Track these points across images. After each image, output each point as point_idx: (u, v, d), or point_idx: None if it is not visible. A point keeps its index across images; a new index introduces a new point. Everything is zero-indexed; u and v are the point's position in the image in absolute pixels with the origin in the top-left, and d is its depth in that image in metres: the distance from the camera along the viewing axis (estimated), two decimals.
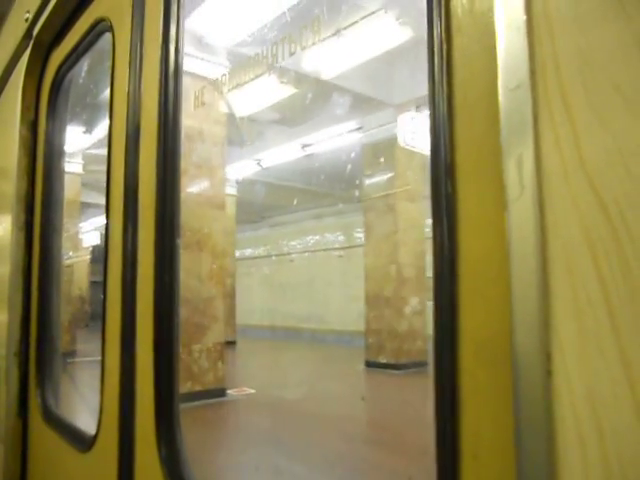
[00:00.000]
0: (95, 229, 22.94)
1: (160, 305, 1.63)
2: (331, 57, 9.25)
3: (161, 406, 1.58)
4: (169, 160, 1.67)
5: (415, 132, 11.13)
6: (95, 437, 1.91)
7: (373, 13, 8.20)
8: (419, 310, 12.53)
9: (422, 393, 10.00)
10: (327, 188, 17.56)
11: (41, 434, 2.52)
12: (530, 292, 0.67)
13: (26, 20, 2.71)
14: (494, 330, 0.75)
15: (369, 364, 12.60)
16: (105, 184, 2.01)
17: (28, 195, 2.78)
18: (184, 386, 8.33)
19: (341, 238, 20.51)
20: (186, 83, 1.77)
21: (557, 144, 0.67)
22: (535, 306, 0.66)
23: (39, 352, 2.62)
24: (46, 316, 2.65)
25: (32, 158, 2.80)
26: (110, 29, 2.07)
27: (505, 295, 0.71)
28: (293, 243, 23.40)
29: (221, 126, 9.59)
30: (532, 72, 0.69)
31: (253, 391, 9.98)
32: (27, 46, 2.76)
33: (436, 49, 0.88)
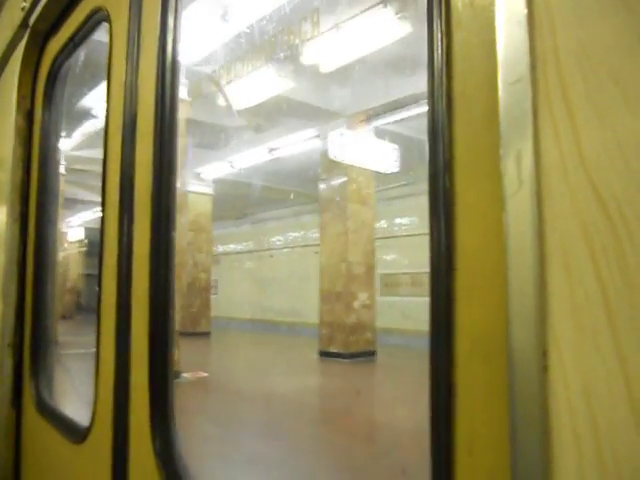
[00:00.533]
0: (81, 225, 23.19)
1: (155, 297, 1.63)
2: (287, 74, 10.31)
3: (156, 398, 1.58)
4: (166, 151, 1.66)
5: (344, 146, 12.33)
6: (89, 429, 1.91)
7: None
8: (368, 304, 13.62)
9: (359, 378, 11.85)
10: (300, 188, 18.00)
11: (35, 425, 2.50)
12: (527, 287, 0.67)
13: (22, 9, 2.68)
14: (490, 325, 0.75)
15: (322, 353, 13.75)
16: (101, 175, 1.99)
17: (23, 185, 2.75)
18: None
19: (316, 235, 20.75)
20: None
21: (556, 139, 0.66)
22: (532, 301, 0.66)
23: (33, 343, 2.60)
24: (41, 307, 2.64)
25: (28, 148, 2.78)
26: (107, 19, 2.05)
27: (502, 290, 0.71)
28: (273, 239, 24.02)
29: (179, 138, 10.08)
30: (532, 66, 0.69)
31: (206, 374, 10.98)
32: (23, 35, 2.74)
33: (436, 43, 0.87)
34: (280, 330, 20.65)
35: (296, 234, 22.60)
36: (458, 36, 0.84)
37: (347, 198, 13.54)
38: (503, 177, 0.72)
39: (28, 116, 2.79)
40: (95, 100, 11.51)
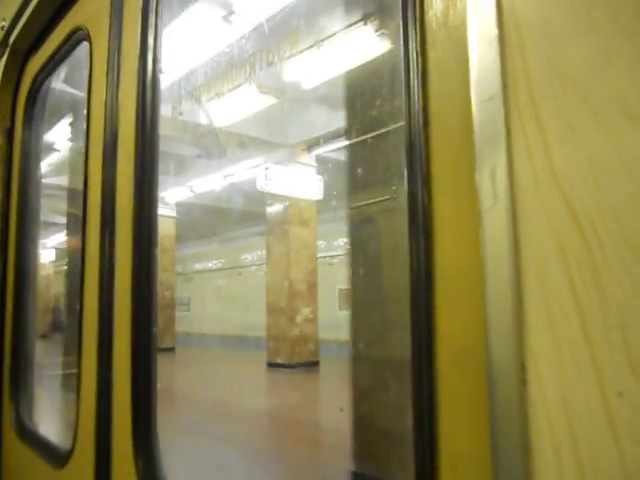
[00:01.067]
0: (54, 247, 23.21)
1: (138, 317, 1.61)
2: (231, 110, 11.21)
3: (138, 419, 1.56)
4: (147, 170, 1.66)
5: (269, 179, 13.60)
6: (70, 452, 1.87)
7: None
8: (310, 318, 14.74)
9: (295, 385, 12.99)
10: (261, 209, 18.45)
11: (14, 449, 2.44)
12: (504, 302, 0.67)
13: (2, 28, 2.66)
14: (470, 339, 0.75)
15: (269, 364, 14.84)
16: (82, 194, 1.97)
17: (4, 204, 2.71)
18: None
19: None
20: None
21: (529, 155, 0.67)
22: (509, 315, 0.67)
23: (13, 365, 2.55)
24: (21, 328, 2.59)
25: (8, 166, 2.74)
26: (88, 38, 2.05)
27: (480, 304, 0.71)
28: (241, 257, 24.59)
29: None
30: (504, 85, 0.70)
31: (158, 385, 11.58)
32: (3, 54, 2.71)
33: (411, 62, 0.88)
34: (249, 344, 20.89)
35: (262, 252, 22.84)
36: (432, 55, 0.86)
37: (289, 221, 14.74)
38: (479, 193, 0.73)
39: (8, 135, 2.75)
40: (58, 135, 11.67)
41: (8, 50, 2.68)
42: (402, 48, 0.90)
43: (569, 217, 0.63)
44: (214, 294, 25.02)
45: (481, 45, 0.74)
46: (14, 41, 2.63)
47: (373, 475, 4.80)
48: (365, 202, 5.32)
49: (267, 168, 13.64)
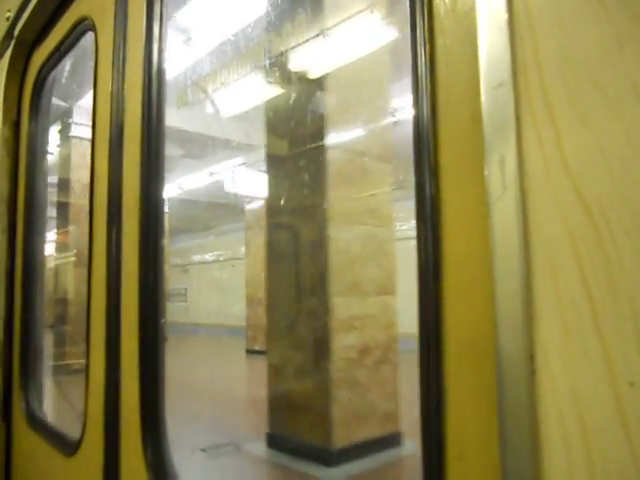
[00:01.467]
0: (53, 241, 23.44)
1: (145, 308, 1.61)
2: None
3: (147, 410, 1.56)
4: (153, 160, 1.65)
5: (237, 181, 14.18)
6: (80, 441, 1.88)
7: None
8: None
9: (264, 369, 12.90)
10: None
11: (25, 438, 2.47)
12: (513, 292, 0.67)
13: (7, 19, 2.66)
14: (478, 330, 0.75)
15: (248, 351, 16.09)
16: (88, 186, 1.97)
17: (11, 197, 2.72)
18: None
19: None
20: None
21: (539, 143, 0.66)
22: (518, 306, 0.66)
23: (23, 355, 2.57)
24: (29, 319, 2.60)
25: (15, 159, 2.74)
26: (93, 28, 2.04)
27: (489, 295, 0.70)
28: (234, 250, 24.76)
29: None
30: (514, 71, 0.69)
31: None
32: (8, 46, 2.70)
33: (419, 49, 0.87)
34: (239, 333, 21.20)
35: None
36: (441, 42, 0.84)
37: (264, 216, 14.97)
38: (488, 182, 0.71)
39: (14, 127, 2.75)
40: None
41: (13, 42, 2.67)
42: (410, 35, 0.89)
43: (580, 206, 0.62)
44: (209, 285, 25.66)
45: (490, 31, 0.73)
46: (19, 32, 2.62)
47: (280, 434, 5.95)
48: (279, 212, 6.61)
49: (233, 171, 14.21)
